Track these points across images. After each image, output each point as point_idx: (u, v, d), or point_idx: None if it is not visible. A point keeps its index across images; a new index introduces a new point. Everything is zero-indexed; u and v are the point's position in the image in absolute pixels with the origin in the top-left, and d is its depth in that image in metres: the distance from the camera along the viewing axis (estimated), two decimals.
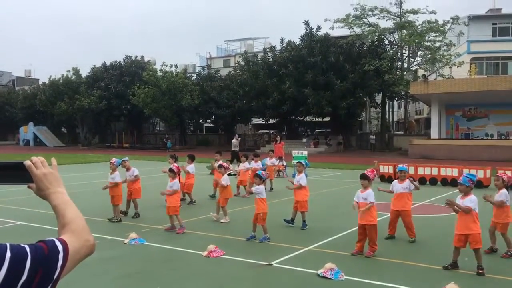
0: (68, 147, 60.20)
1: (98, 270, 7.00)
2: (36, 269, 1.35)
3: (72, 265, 1.49)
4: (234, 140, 26.33)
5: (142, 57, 61.81)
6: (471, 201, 7.02)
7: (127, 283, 6.58)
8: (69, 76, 60.04)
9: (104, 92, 56.61)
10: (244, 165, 15.29)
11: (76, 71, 60.29)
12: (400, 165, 9.68)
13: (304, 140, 47.03)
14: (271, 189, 15.51)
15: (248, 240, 8.93)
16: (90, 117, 58.89)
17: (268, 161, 16.65)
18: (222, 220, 10.82)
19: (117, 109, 57.14)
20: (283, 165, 22.14)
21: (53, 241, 1.45)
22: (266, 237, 8.86)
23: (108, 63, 61.26)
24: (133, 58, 60.87)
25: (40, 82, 71.07)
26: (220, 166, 11.66)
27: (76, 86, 57.77)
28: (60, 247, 1.44)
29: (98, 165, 29.56)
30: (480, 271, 6.85)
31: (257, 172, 9.71)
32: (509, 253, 7.79)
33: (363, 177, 8.24)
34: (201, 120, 59.84)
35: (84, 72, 61.77)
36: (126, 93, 53.68)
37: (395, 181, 9.42)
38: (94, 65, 61.94)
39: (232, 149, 25.50)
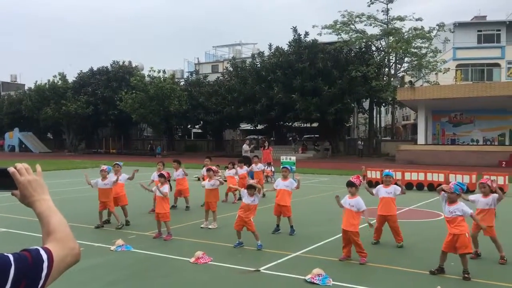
0: (54, 153, 59.64)
1: (84, 278, 6.93)
2: (20, 279, 1.33)
3: (57, 274, 1.47)
4: (244, 146, 26.06)
5: (130, 62, 61.61)
6: (458, 209, 7.13)
7: None
8: (56, 81, 59.58)
9: (91, 98, 56.26)
10: (231, 172, 15.26)
11: (63, 76, 59.84)
12: (386, 170, 9.70)
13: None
14: (264, 195, 15.52)
15: (235, 247, 8.89)
16: (76, 123, 58.43)
17: (254, 167, 16.63)
18: (210, 226, 10.78)
19: (104, 114, 56.80)
20: (271, 170, 22.16)
21: (38, 249, 1.44)
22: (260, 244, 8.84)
23: (95, 69, 60.92)
24: (121, 63, 60.61)
25: (26, 88, 70.43)
26: (209, 169, 11.62)
27: (63, 92, 57.32)
28: (44, 256, 1.43)
29: (84, 171, 29.27)
30: (466, 275, 6.91)
31: (250, 183, 9.61)
32: (504, 258, 7.85)
33: (350, 184, 8.26)
34: (189, 126, 59.71)
35: (70, 78, 61.39)
36: (114, 98, 53.40)
37: (380, 186, 9.43)
38: (81, 71, 61.66)
39: (243, 154, 25.20)
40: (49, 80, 60.19)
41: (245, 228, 8.90)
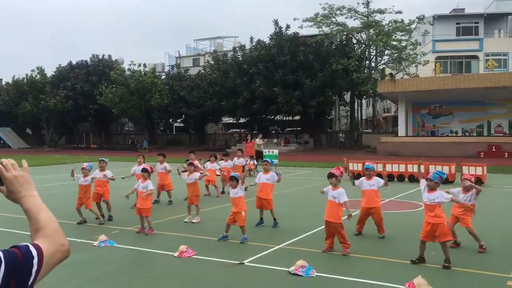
0: (34, 148, 58.72)
1: (66, 274, 6.88)
2: (10, 276, 1.33)
3: (47, 270, 1.48)
4: (257, 140, 25.69)
5: (110, 56, 60.89)
6: (437, 196, 7.26)
7: (97, 286, 6.50)
8: (34, 75, 58.60)
9: (70, 92, 55.50)
10: (213, 165, 15.25)
11: (41, 71, 58.87)
12: (367, 163, 9.79)
13: (275, 140, 47.16)
14: (246, 188, 15.54)
15: (220, 240, 8.93)
16: (56, 118, 57.60)
17: (236, 160, 16.65)
18: (194, 220, 10.78)
19: (84, 109, 56.11)
20: (254, 164, 22.19)
21: (27, 246, 1.44)
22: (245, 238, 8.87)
23: (74, 63, 60.04)
24: (100, 57, 59.83)
25: (4, 82, 69.03)
26: (191, 164, 11.60)
27: (41, 86, 56.44)
28: (34, 252, 1.43)
29: (65, 166, 28.95)
30: (446, 264, 7.06)
31: (232, 174, 9.67)
32: (483, 247, 8.03)
33: (330, 175, 8.31)
34: (171, 120, 59.37)
35: (49, 72, 60.40)
36: (93, 93, 52.77)
37: (363, 178, 9.51)
38: (60, 65, 60.68)
39: (256, 148, 24.87)
40: (27, 75, 59.18)
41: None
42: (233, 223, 8.94)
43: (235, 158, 16.80)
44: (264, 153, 22.87)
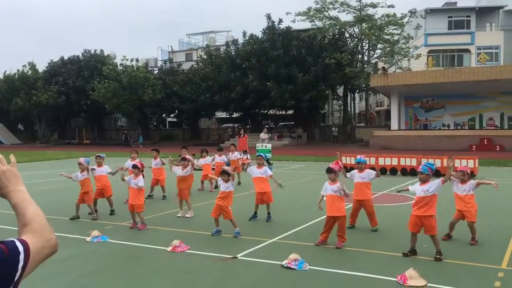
0: (26, 144, 58.37)
1: (60, 269, 6.87)
2: None
3: (34, 265, 1.47)
4: (262, 134, 25.03)
5: (102, 51, 60.49)
6: (430, 186, 7.30)
7: (90, 281, 6.49)
8: (25, 71, 58.16)
9: (62, 87, 55.15)
10: (206, 160, 15.26)
11: (33, 66, 58.44)
12: (358, 156, 9.81)
13: (268, 135, 47.03)
14: (239, 183, 15.54)
15: (213, 235, 8.93)
16: (48, 113, 57.27)
17: (231, 155, 16.66)
18: (187, 215, 10.79)
19: (76, 104, 55.78)
20: (247, 158, 22.20)
21: (14, 241, 1.43)
22: (238, 231, 8.89)
23: (66, 58, 59.62)
24: (92, 52, 59.45)
25: None
26: (183, 158, 11.59)
27: (33, 81, 56.05)
28: (20, 248, 1.42)
29: (58, 162, 28.83)
30: (438, 256, 7.11)
31: (223, 169, 9.67)
32: (476, 239, 8.08)
33: (329, 170, 8.31)
34: (164, 115, 59.17)
35: (41, 67, 59.94)
36: (86, 88, 52.47)
37: (354, 171, 9.53)
38: (52, 60, 60.26)
39: (260, 142, 24.51)
40: (18, 70, 58.71)
41: (222, 216, 8.94)
42: (217, 217, 8.95)
43: (230, 153, 16.83)
44: (257, 148, 22.91)
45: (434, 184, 7.29)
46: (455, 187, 8.27)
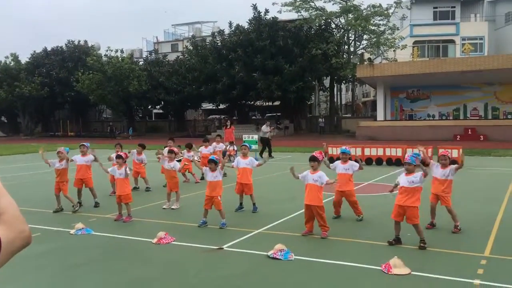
0: (9, 137, 57.62)
1: (43, 263, 6.79)
2: None
3: (5, 258, 1.41)
4: (264, 127, 24.53)
5: (86, 41, 59.74)
6: (415, 177, 7.33)
7: (75, 274, 6.41)
8: (8, 62, 57.21)
9: (45, 79, 54.42)
10: (189, 154, 15.11)
11: (15, 57, 57.54)
12: (343, 147, 9.78)
13: (270, 128, 46.90)
14: (225, 174, 15.49)
15: (200, 226, 8.90)
16: (31, 105, 56.52)
17: (216, 145, 16.60)
18: (173, 207, 10.72)
19: (60, 96, 55.12)
20: (234, 149, 22.14)
21: None
22: (225, 223, 8.86)
23: (49, 49, 58.76)
24: (76, 43, 58.66)
25: None
26: (171, 151, 11.50)
27: (16, 73, 55.20)
28: None
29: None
30: (422, 245, 7.17)
31: (210, 157, 9.62)
32: (458, 227, 8.16)
33: (313, 159, 8.27)
34: (149, 107, 58.76)
35: (23, 58, 59.03)
36: (70, 79, 51.85)
37: (338, 162, 9.49)
38: (34, 51, 59.32)
39: (261, 135, 24.10)
40: (0, 62, 57.72)
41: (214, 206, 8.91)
42: (209, 208, 8.92)
43: (214, 143, 16.76)
44: (244, 139, 22.84)
45: (418, 176, 7.32)
46: (434, 170, 8.35)
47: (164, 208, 10.72)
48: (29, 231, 1.53)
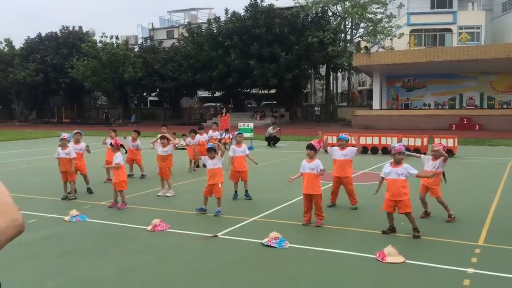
0: (3, 123, 57.23)
1: (37, 249, 6.77)
2: None
3: None
4: (270, 129, 24.19)
5: (80, 27, 59.15)
6: (405, 168, 7.32)
7: (69, 261, 6.39)
8: (1, 48, 56.65)
9: (40, 65, 53.94)
10: (188, 140, 15.09)
11: (9, 43, 56.95)
12: (341, 134, 9.76)
13: (275, 130, 46.83)
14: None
15: (197, 211, 8.89)
16: (26, 91, 56.09)
17: (211, 133, 16.58)
18: (168, 194, 10.70)
19: (55, 82, 54.70)
20: (229, 137, 22.10)
21: None
22: (220, 210, 8.85)
23: (43, 34, 58.16)
24: (71, 28, 58.09)
25: None
26: (163, 137, 11.45)
27: (10, 59, 54.67)
28: None
29: (36, 141, 28.35)
30: (416, 233, 7.19)
31: (208, 145, 9.61)
32: (452, 216, 8.20)
33: (310, 147, 8.20)
34: (145, 94, 58.43)
35: (17, 44, 58.45)
36: (64, 65, 51.41)
37: (335, 148, 9.48)
38: (28, 37, 58.77)
39: (267, 136, 23.88)
40: None
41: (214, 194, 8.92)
42: (209, 195, 8.91)
43: (210, 131, 16.73)
44: (239, 127, 22.81)
45: (408, 171, 7.31)
46: (426, 163, 8.38)
47: (159, 196, 10.70)
48: (22, 219, 1.49)
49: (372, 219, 8.39)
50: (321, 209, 8.04)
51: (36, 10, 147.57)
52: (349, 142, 9.90)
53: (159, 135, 11.91)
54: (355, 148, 9.31)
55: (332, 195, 9.37)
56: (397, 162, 7.44)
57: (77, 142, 11.23)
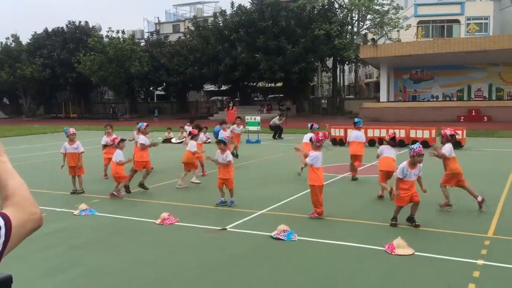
0: (12, 118, 57.62)
1: (47, 243, 6.82)
2: None
3: (16, 240, 1.38)
4: (275, 119, 24.25)
5: (87, 22, 59.23)
6: (420, 169, 7.54)
7: (78, 254, 6.44)
8: (9, 43, 56.91)
9: (47, 60, 54.13)
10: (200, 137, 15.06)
11: (16, 38, 57.20)
12: (357, 118, 11.51)
13: (280, 121, 46.72)
14: (237, 155, 15.49)
15: (218, 205, 8.94)
16: (33, 87, 56.35)
17: (236, 128, 16.57)
18: (195, 180, 11.18)
19: (62, 77, 54.89)
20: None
21: None
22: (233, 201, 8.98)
23: (50, 30, 58.32)
24: (77, 23, 58.18)
25: None
26: (219, 142, 11.40)
27: (17, 54, 54.95)
28: (1, 222, 1.33)
29: (44, 136, 28.51)
30: (416, 223, 7.32)
31: (220, 138, 9.65)
32: (449, 204, 8.26)
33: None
34: (151, 88, 58.50)
35: (24, 39, 58.65)
36: (71, 60, 51.54)
37: (352, 131, 11.12)
38: (35, 32, 58.91)
39: (272, 125, 24.02)
40: (1, 43, 57.41)
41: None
42: (222, 186, 8.98)
43: (235, 126, 16.67)
44: (246, 120, 22.78)
45: (421, 169, 7.47)
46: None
47: (192, 182, 11.08)
48: (40, 213, 1.50)
49: (380, 211, 8.36)
50: (318, 201, 7.91)
51: (42, 5, 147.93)
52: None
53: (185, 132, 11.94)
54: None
55: (352, 170, 10.91)
56: (415, 163, 7.40)
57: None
